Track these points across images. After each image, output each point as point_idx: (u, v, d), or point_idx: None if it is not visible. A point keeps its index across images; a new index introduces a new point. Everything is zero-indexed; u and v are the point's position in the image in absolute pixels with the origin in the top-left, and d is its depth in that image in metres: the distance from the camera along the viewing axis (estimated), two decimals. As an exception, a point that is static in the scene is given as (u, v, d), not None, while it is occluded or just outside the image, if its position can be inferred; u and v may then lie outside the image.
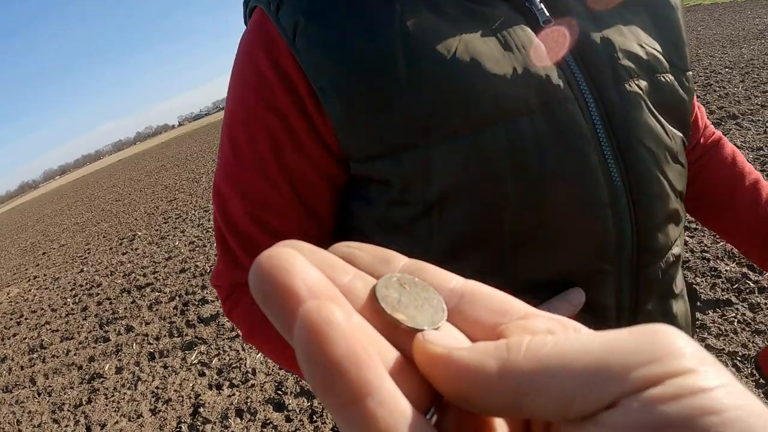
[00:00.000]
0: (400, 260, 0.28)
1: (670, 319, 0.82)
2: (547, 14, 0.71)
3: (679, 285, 0.86)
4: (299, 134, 0.74)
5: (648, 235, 0.73)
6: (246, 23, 0.81)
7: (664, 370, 0.20)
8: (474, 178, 0.67)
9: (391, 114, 0.67)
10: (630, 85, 0.71)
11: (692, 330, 0.92)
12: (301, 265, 0.22)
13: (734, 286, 3.25)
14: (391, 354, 0.24)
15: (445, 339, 0.24)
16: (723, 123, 6.11)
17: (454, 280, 0.28)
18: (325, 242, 0.85)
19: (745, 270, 3.36)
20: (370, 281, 0.26)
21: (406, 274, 0.27)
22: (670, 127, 0.76)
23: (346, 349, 0.20)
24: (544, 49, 0.69)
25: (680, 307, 0.86)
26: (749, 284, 3.22)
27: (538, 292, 0.72)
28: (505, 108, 0.66)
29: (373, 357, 0.21)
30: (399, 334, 0.25)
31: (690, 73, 0.80)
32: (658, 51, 0.76)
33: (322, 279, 0.23)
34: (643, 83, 0.73)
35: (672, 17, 0.81)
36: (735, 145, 5.35)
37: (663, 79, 0.75)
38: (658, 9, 0.80)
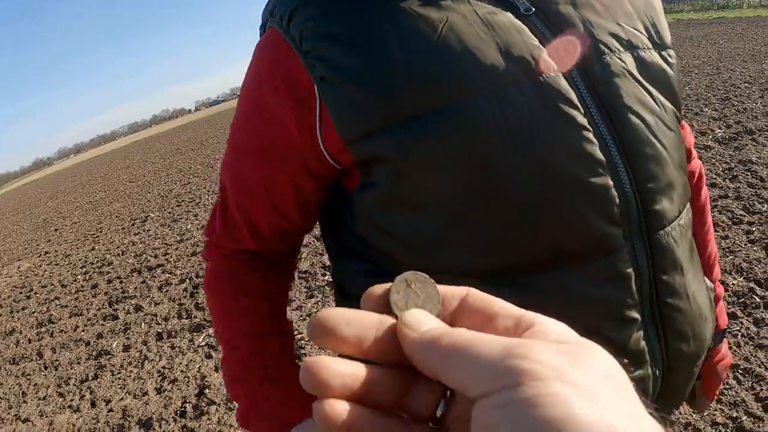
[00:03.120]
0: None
1: (687, 297, 0.85)
2: (528, 4, 0.80)
3: (696, 266, 0.91)
4: (282, 144, 0.86)
5: (651, 198, 0.78)
6: None
7: (514, 380, 0.26)
8: (471, 142, 0.73)
9: (385, 87, 0.74)
10: (611, 58, 0.79)
11: (712, 316, 0.96)
12: (334, 368, 0.31)
13: (740, 300, 3.27)
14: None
15: (414, 322, 0.33)
16: (739, 138, 6.10)
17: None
18: (297, 235, 1.03)
19: (752, 285, 3.38)
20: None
21: (416, 273, 0.36)
22: (660, 96, 0.83)
23: None
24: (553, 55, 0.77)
25: (699, 290, 0.90)
26: (755, 299, 3.24)
27: (565, 263, 0.77)
28: (492, 77, 0.73)
29: None
30: None
31: (672, 51, 0.88)
32: (636, 29, 0.84)
33: (351, 374, 0.31)
34: (627, 57, 0.81)
35: (649, 1, 0.90)
36: (750, 161, 5.36)
37: (645, 54, 0.83)
38: None
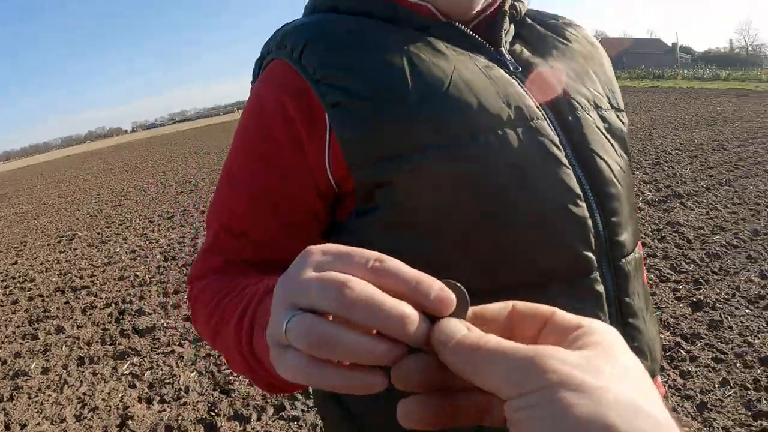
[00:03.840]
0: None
1: (644, 319, 0.95)
2: (516, 64, 0.93)
3: (647, 297, 1.01)
4: (296, 164, 0.87)
5: (615, 229, 0.89)
6: (255, 79, 0.98)
7: (531, 387, 0.33)
8: (476, 173, 0.81)
9: (399, 114, 0.81)
10: (582, 113, 0.92)
11: (660, 342, 1.04)
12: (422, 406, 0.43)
13: (667, 354, 3.41)
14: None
15: (445, 334, 0.40)
16: (668, 201, 6.40)
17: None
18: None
19: (678, 339, 3.53)
20: None
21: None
22: (618, 148, 0.96)
23: None
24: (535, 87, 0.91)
25: (650, 316, 1.00)
26: (681, 353, 3.39)
27: (551, 283, 0.85)
28: (495, 119, 0.83)
29: None
30: None
31: (624, 113, 1.04)
32: (599, 93, 0.99)
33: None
34: (593, 114, 0.94)
35: (608, 72, 1.07)
36: (678, 223, 5.61)
37: (606, 114, 0.97)
38: (598, 65, 1.05)
